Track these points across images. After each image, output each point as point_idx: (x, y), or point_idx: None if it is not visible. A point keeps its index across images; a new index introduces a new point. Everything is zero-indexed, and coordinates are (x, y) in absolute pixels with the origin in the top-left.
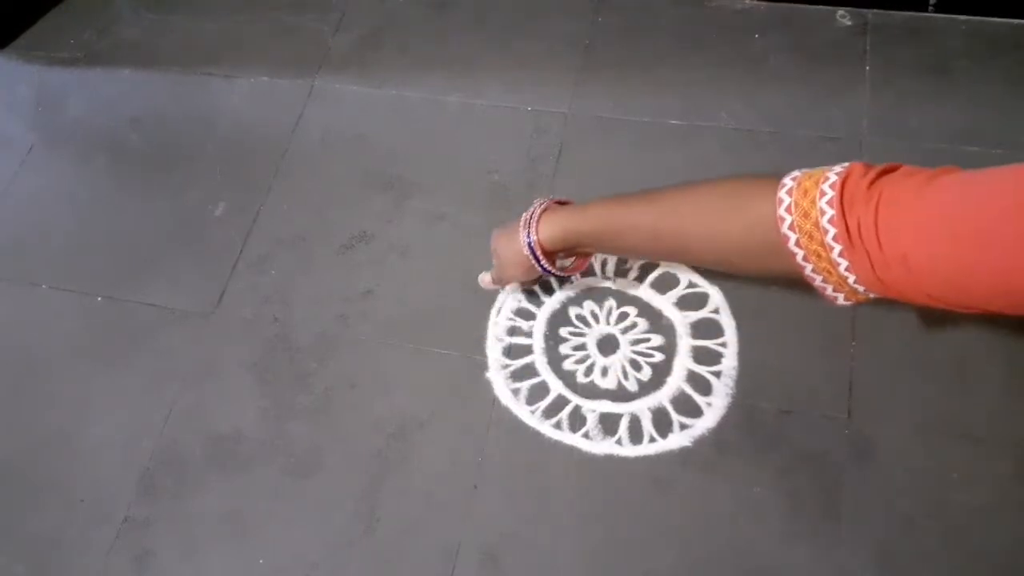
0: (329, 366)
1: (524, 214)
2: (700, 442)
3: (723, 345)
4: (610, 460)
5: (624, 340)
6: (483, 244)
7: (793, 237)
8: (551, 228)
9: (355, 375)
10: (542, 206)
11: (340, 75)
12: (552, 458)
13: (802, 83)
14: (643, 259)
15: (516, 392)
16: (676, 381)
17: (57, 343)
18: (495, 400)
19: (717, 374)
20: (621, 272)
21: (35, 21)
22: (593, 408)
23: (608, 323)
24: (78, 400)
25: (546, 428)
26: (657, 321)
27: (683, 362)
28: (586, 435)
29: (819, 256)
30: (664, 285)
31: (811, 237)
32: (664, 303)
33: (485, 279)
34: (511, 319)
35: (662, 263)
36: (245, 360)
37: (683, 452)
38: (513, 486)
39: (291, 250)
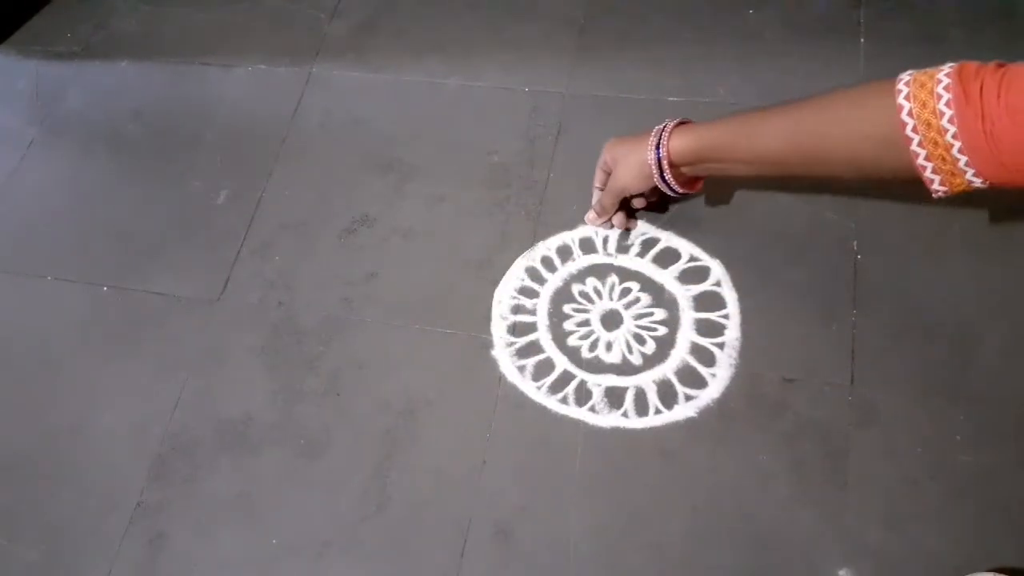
0: (335, 349)
1: (656, 127)
2: (705, 412)
3: (725, 317)
4: (617, 433)
5: (627, 315)
6: (484, 224)
7: (911, 123)
8: (683, 139)
9: (362, 357)
10: (673, 122)
11: (338, 61)
12: (559, 432)
13: (797, 57)
14: (767, 172)
15: (522, 369)
16: (680, 353)
17: (64, 334)
18: (501, 377)
19: (720, 345)
20: (623, 248)
21: (31, 16)
22: (599, 382)
23: (611, 299)
24: (88, 389)
25: (552, 403)
26: (660, 295)
27: (686, 335)
28: (592, 409)
29: (935, 143)
30: (666, 260)
31: (928, 125)
32: (666, 277)
33: (590, 216)
34: (515, 297)
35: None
36: (252, 345)
37: (689, 423)
38: (521, 461)
39: (294, 235)
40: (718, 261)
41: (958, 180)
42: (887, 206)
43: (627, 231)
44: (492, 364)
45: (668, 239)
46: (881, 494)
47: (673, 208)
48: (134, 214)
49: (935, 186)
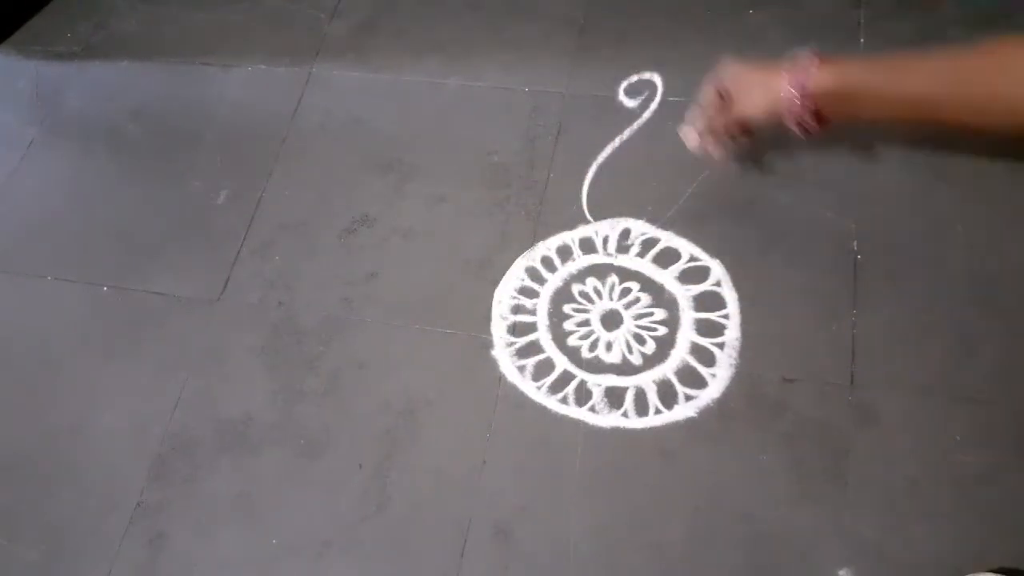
0: (335, 348)
1: (793, 59)
2: (705, 412)
3: (725, 317)
4: (617, 433)
5: (627, 315)
6: (484, 224)
7: None
8: (827, 75)
9: (362, 357)
10: (809, 55)
11: (338, 61)
12: (559, 432)
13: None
14: (913, 115)
15: (522, 369)
16: (680, 353)
17: (65, 334)
18: (501, 377)
19: (720, 345)
20: (623, 248)
21: (31, 16)
22: (599, 382)
23: (611, 299)
24: (88, 389)
25: (552, 403)
26: (660, 295)
27: (686, 335)
28: (592, 409)
29: None
30: (666, 260)
31: None
32: (666, 277)
33: (691, 136)
34: (515, 297)
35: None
36: (252, 345)
37: (689, 423)
38: (521, 461)
39: (294, 235)
40: (718, 261)
41: None
42: (887, 206)
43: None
44: (492, 364)
45: (668, 239)
46: (881, 494)
47: (674, 209)
48: (134, 214)
49: None
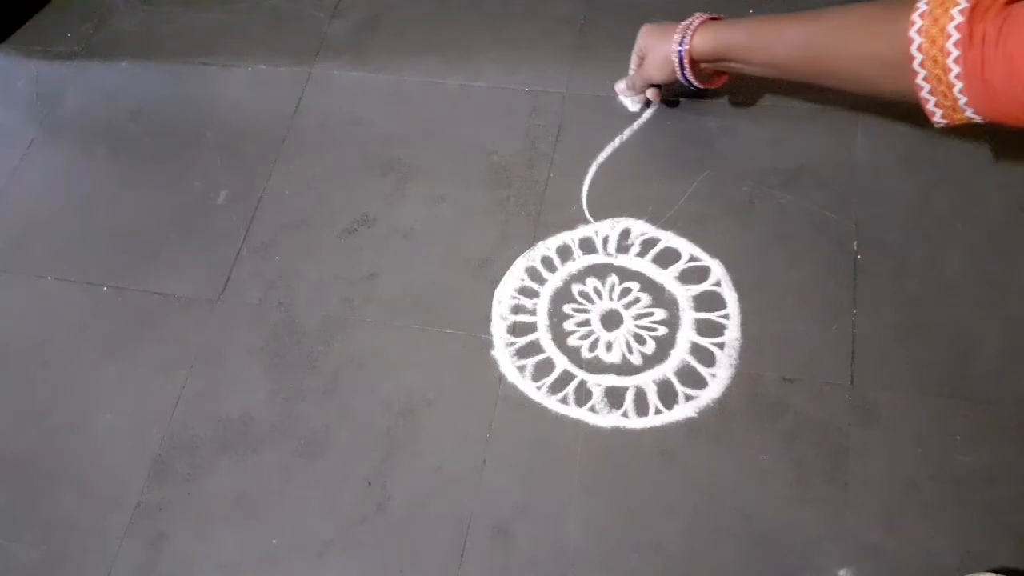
0: (336, 348)
1: (684, 22)
2: (705, 412)
3: (725, 317)
4: (617, 433)
5: (627, 315)
6: (484, 224)
7: (919, 58)
8: (704, 37)
9: (362, 356)
10: (700, 19)
11: (338, 61)
12: (559, 432)
13: None
14: (778, 76)
15: (522, 369)
16: (680, 353)
17: (65, 334)
18: (501, 377)
19: (720, 345)
20: (623, 248)
21: (31, 16)
22: (598, 382)
23: (611, 299)
24: (88, 389)
25: (552, 403)
26: (660, 295)
27: (686, 335)
28: (592, 409)
29: (939, 80)
30: (666, 260)
31: (935, 62)
32: (666, 277)
33: (620, 86)
34: (515, 297)
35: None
36: (252, 345)
37: (689, 423)
38: (521, 460)
39: (294, 235)
40: (718, 261)
41: (958, 115)
42: (887, 206)
43: (648, 103)
44: (492, 364)
45: (668, 239)
46: (881, 494)
47: (674, 209)
48: (134, 214)
49: (936, 118)
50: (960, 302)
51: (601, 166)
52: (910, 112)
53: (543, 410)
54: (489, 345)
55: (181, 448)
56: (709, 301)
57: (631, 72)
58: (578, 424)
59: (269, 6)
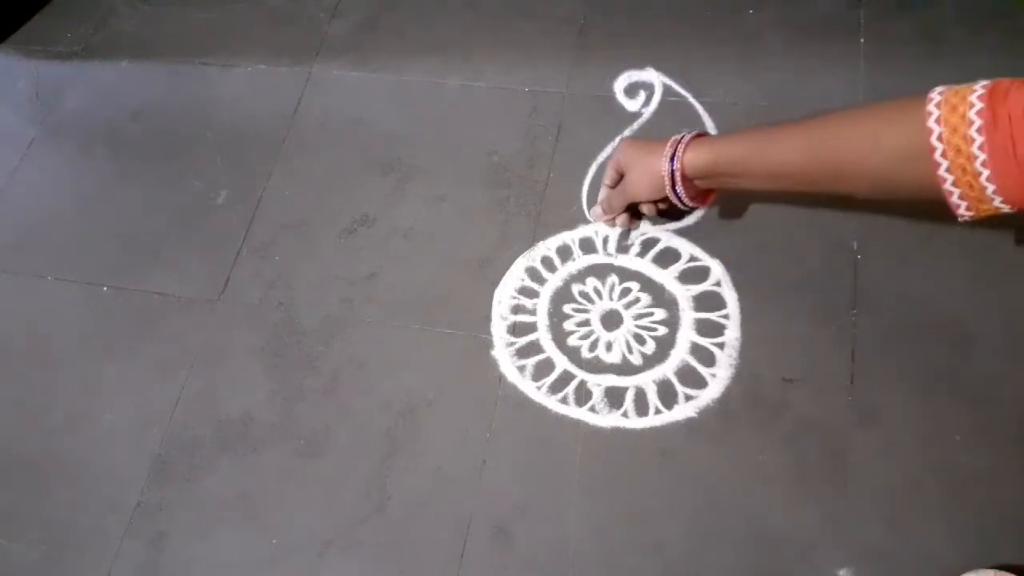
0: (336, 348)
1: (673, 137)
2: (705, 412)
3: (725, 317)
4: (617, 433)
5: (627, 315)
6: (484, 224)
7: (940, 148)
8: (699, 152)
9: (362, 356)
10: (690, 134)
11: (337, 61)
12: (559, 432)
13: (797, 57)
14: (784, 187)
15: (522, 369)
16: (680, 353)
17: (65, 334)
18: (501, 377)
19: (720, 345)
20: (623, 248)
21: (31, 16)
22: (599, 382)
23: (611, 299)
24: (88, 389)
25: (552, 403)
26: (660, 295)
27: (686, 335)
28: (592, 409)
29: (963, 170)
30: (666, 260)
31: (958, 151)
32: (666, 277)
33: (596, 212)
34: (515, 297)
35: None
36: (252, 345)
37: (689, 423)
38: (521, 460)
39: (294, 235)
40: (718, 261)
41: (984, 206)
42: (887, 206)
43: (628, 231)
44: (492, 364)
45: (668, 239)
46: (881, 494)
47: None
48: (134, 214)
49: (961, 211)
50: (960, 302)
51: (601, 166)
52: None
53: (543, 410)
54: (489, 345)
55: (181, 448)
56: (709, 301)
57: (604, 190)
58: (578, 424)
59: (269, 6)
